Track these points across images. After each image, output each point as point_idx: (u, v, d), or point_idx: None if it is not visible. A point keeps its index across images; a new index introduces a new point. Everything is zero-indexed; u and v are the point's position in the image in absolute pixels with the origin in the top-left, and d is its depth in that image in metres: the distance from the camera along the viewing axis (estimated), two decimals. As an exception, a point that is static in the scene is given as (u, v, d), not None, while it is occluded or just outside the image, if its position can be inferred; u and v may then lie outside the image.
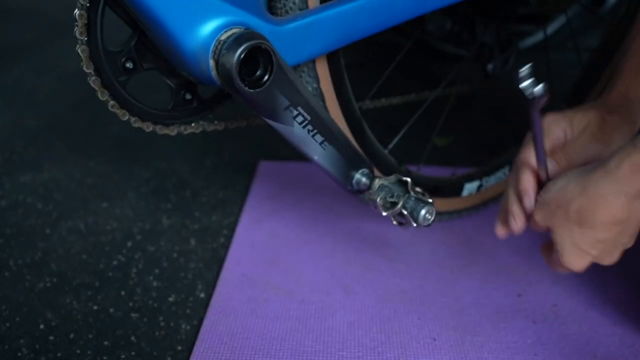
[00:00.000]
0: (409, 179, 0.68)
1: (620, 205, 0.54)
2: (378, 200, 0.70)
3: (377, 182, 0.71)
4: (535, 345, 0.74)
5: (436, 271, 0.88)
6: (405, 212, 0.68)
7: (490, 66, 1.06)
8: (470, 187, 0.95)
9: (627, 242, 0.59)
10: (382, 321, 0.78)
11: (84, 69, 0.60)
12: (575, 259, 0.59)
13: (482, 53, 1.08)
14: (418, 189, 0.70)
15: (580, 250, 0.58)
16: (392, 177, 0.71)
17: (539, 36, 1.54)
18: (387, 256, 0.91)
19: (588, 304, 0.81)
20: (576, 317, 0.78)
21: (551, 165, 0.66)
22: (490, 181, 0.97)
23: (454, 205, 0.97)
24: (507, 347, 0.74)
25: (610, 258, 0.60)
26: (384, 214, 0.70)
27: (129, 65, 0.62)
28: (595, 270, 0.85)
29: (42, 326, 0.79)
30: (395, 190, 0.70)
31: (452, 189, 0.94)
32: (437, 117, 0.97)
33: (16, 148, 1.26)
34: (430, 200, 0.68)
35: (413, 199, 0.68)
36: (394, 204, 0.69)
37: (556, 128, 0.70)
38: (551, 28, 1.48)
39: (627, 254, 0.89)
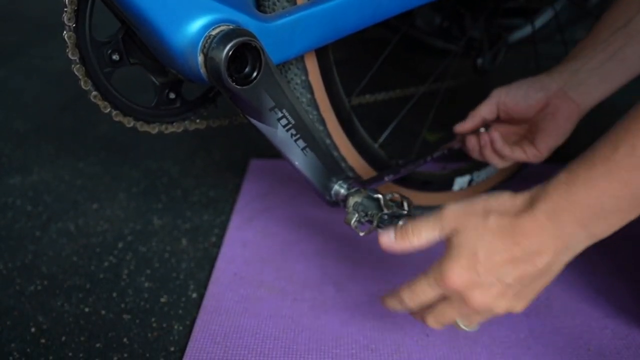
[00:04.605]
0: (380, 196, 0.65)
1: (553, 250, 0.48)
2: (352, 222, 0.66)
3: (351, 201, 0.68)
4: (528, 339, 0.74)
5: (428, 267, 0.87)
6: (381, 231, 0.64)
7: (479, 60, 1.06)
8: (461, 182, 0.95)
9: (524, 295, 0.51)
10: (375, 318, 0.78)
11: (69, 55, 0.58)
12: (459, 270, 0.51)
13: (471, 47, 1.08)
14: (393, 197, 0.67)
15: (473, 262, 0.50)
16: (365, 193, 0.67)
17: (527, 30, 1.54)
18: (378, 253, 0.90)
19: (580, 297, 0.81)
20: (568, 310, 0.79)
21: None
22: (482, 176, 0.97)
23: (445, 200, 0.97)
24: (500, 341, 0.74)
25: (503, 301, 0.51)
26: (361, 234, 0.66)
27: (115, 57, 0.62)
28: (586, 264, 0.86)
29: (33, 329, 0.79)
30: (370, 207, 0.66)
31: (443, 183, 0.94)
32: (427, 112, 0.97)
33: (4, 150, 1.25)
34: (406, 211, 0.64)
35: (386, 217, 0.64)
36: (370, 222, 0.65)
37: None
38: (539, 21, 1.48)
39: (620, 247, 0.89)
